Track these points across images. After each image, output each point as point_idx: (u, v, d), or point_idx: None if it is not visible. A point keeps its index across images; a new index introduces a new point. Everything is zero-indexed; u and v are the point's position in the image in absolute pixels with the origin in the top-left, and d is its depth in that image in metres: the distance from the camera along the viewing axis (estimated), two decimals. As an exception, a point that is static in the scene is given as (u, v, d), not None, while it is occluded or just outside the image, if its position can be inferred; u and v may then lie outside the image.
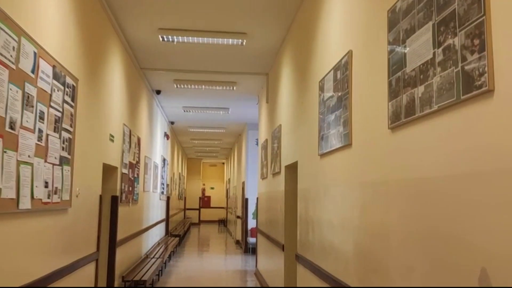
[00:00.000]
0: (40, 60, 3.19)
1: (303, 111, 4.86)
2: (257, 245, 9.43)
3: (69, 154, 3.87)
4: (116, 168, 6.09)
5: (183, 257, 12.05)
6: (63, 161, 3.73)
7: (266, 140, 7.97)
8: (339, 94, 3.42)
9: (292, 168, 5.75)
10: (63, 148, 3.73)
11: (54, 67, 3.47)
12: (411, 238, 2.22)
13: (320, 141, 3.98)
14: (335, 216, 3.52)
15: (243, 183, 13.92)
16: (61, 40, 3.70)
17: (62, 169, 3.71)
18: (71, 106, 3.92)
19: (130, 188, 7.12)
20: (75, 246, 4.27)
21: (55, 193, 3.57)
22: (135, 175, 7.53)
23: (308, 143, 4.55)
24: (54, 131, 3.52)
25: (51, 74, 3.41)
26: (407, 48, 2.26)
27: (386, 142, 2.53)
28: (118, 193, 6.16)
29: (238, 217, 15.39)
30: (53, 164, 3.51)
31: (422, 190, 2.11)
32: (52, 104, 3.45)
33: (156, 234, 11.18)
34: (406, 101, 2.25)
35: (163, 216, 12.87)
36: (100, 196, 5.20)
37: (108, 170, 5.92)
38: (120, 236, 6.41)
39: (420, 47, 2.12)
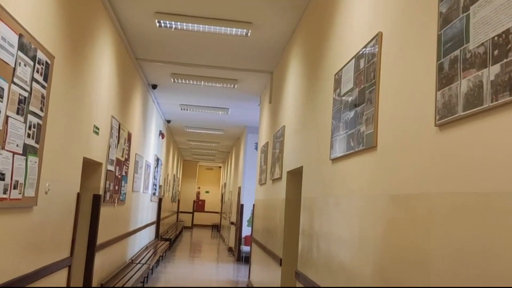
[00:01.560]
0: (1, 23, 2.61)
1: (313, 109, 4.28)
2: (251, 254, 8.82)
3: (37, 142, 3.28)
4: (100, 164, 5.49)
5: (172, 263, 11.42)
6: (28, 150, 3.13)
7: (267, 143, 7.39)
8: (362, 86, 2.84)
9: (296, 174, 5.17)
10: (29, 135, 3.14)
11: (21, 36, 2.89)
12: (463, 272, 1.63)
13: (332, 143, 3.40)
14: (349, 232, 2.93)
15: (239, 188, 13.33)
16: (33, 6, 3.12)
17: (26, 159, 3.12)
18: (43, 86, 3.33)
19: (117, 187, 6.52)
20: (41, 251, 3.66)
21: (15, 187, 2.97)
22: (123, 173, 6.93)
23: (317, 145, 3.97)
24: (17, 113, 2.93)
25: (16, 44, 2.83)
26: (472, 17, 1.68)
27: (430, 144, 1.95)
28: (101, 192, 5.56)
29: (232, 223, 14.77)
30: (14, 153, 2.92)
31: (487, 210, 1.53)
32: (15, 80, 2.86)
33: (145, 237, 10.56)
34: (467, 88, 1.67)
35: (154, 219, 12.24)
36: (78, 194, 4.60)
37: (90, 166, 5.32)
38: (101, 239, 5.81)
39: (495, 12, 1.54)
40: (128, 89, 6.96)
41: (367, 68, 2.78)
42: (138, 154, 8.27)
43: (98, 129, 5.17)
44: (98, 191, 5.50)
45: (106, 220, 6.02)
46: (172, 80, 8.07)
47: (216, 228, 25.29)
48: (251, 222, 12.41)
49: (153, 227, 12.31)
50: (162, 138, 12.06)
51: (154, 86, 8.78)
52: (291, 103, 5.52)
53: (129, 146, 7.23)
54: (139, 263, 8.31)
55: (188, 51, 6.67)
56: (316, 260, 3.70)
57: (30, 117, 3.14)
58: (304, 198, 4.37)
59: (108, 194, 5.94)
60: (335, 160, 3.35)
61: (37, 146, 3.29)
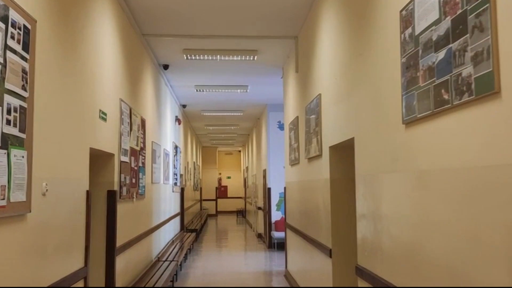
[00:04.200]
0: None
1: (364, 66, 3.44)
2: (286, 242, 8.09)
3: (22, 131, 2.53)
4: (111, 155, 4.76)
5: (200, 256, 10.78)
6: (9, 141, 2.38)
7: (297, 118, 6.57)
8: (459, 11, 2.00)
9: (342, 149, 4.36)
10: (8, 122, 2.38)
11: (-21, -15, 2.11)
12: None
13: (406, 102, 2.57)
14: (451, 221, 2.13)
15: (264, 171, 12.57)
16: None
17: (8, 154, 2.37)
18: (23, 58, 2.57)
19: (134, 180, 5.80)
20: (44, 267, 2.95)
21: (-6, 192, 2.23)
22: (140, 164, 6.21)
23: (376, 108, 3.14)
24: (-13, 92, 2.18)
25: (-29, -5, 2.06)
26: None
27: None
28: (116, 187, 4.84)
29: (259, 208, 14.07)
30: (-13, 146, 2.17)
31: None
32: (-22, 46, 2.10)
33: (170, 231, 9.91)
34: None
35: (177, 210, 11.59)
36: (88, 192, 3.87)
37: (100, 158, 4.59)
38: (122, 240, 5.11)
39: None
40: (137, 70, 6.19)
41: (467, -17, 1.94)
42: (155, 142, 7.53)
43: (105, 114, 4.42)
44: (113, 186, 4.78)
45: (125, 217, 5.32)
46: (185, 57, 7.26)
47: (241, 213, 24.70)
48: (280, 206, 11.71)
49: (178, 218, 11.67)
50: (179, 124, 11.32)
51: (166, 67, 7.99)
52: (328, 66, 4.68)
53: (144, 134, 6.49)
54: (166, 260, 7.65)
55: (200, 18, 5.85)
56: (390, 254, 2.91)
57: (8, 98, 2.38)
58: (360, 176, 3.56)
59: (124, 189, 5.22)
60: (412, 123, 2.53)
61: (22, 136, 2.54)
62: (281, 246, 10.84)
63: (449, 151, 2.14)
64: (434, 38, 2.23)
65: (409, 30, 2.52)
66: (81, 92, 3.72)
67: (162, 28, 6.19)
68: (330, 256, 4.46)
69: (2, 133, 2.31)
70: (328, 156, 4.57)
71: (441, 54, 2.15)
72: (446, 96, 2.11)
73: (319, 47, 5.12)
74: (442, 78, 2.14)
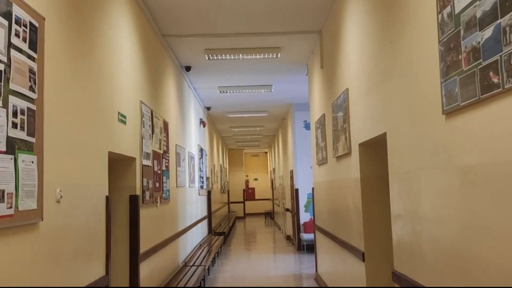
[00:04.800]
0: None
1: (395, 54, 3.18)
2: (315, 244, 7.82)
3: (30, 135, 2.38)
4: (133, 159, 4.62)
5: (229, 259, 10.60)
6: (16, 145, 2.24)
7: (323, 115, 6.31)
8: (509, -20, 1.73)
9: (373, 145, 4.09)
10: (15, 125, 2.24)
11: (-24, -22, 1.97)
12: None
13: (446, 89, 2.30)
14: (508, 219, 1.86)
15: (291, 172, 12.31)
16: None
17: (15, 159, 2.22)
18: (30, 57, 2.42)
19: (157, 184, 5.66)
20: (60, 278, 2.80)
21: (0, 200, 2.08)
22: (164, 168, 6.07)
23: (411, 100, 2.88)
24: (-11, 93, 2.03)
25: (-32, -11, 1.92)
26: None
27: None
28: (138, 192, 4.70)
29: (287, 209, 13.81)
30: (-9, 151, 2.02)
31: None
32: (-23, 44, 1.96)
33: (197, 235, 9.77)
34: None
35: (204, 213, 11.45)
36: (107, 197, 3.73)
37: (120, 162, 4.46)
38: (146, 246, 4.97)
39: None
40: (158, 71, 6.06)
41: None
42: (179, 145, 7.40)
43: (124, 117, 4.27)
44: (135, 191, 4.64)
45: (149, 223, 5.18)
46: (207, 58, 7.10)
47: (269, 215, 24.48)
48: (309, 207, 11.43)
49: (205, 222, 11.53)
50: (204, 126, 11.19)
51: (188, 68, 7.85)
52: (355, 59, 4.42)
53: (167, 137, 6.35)
54: (193, 265, 7.50)
55: (220, 17, 5.66)
56: (431, 259, 2.64)
57: (14, 99, 2.23)
58: (394, 174, 3.29)
59: (147, 193, 5.07)
60: (453, 112, 2.26)
61: (31, 140, 2.39)
62: (310, 248, 10.57)
63: (500, 142, 1.87)
64: (478, 15, 1.96)
65: (448, 9, 2.26)
66: (98, 94, 3.58)
67: (182, 28, 6.04)
68: (363, 260, 4.19)
69: (8, 137, 2.17)
70: (358, 153, 4.31)
71: (488, 32, 1.88)
72: (495, 80, 1.84)
73: (345, 39, 4.87)
74: (490, 59, 1.88)
